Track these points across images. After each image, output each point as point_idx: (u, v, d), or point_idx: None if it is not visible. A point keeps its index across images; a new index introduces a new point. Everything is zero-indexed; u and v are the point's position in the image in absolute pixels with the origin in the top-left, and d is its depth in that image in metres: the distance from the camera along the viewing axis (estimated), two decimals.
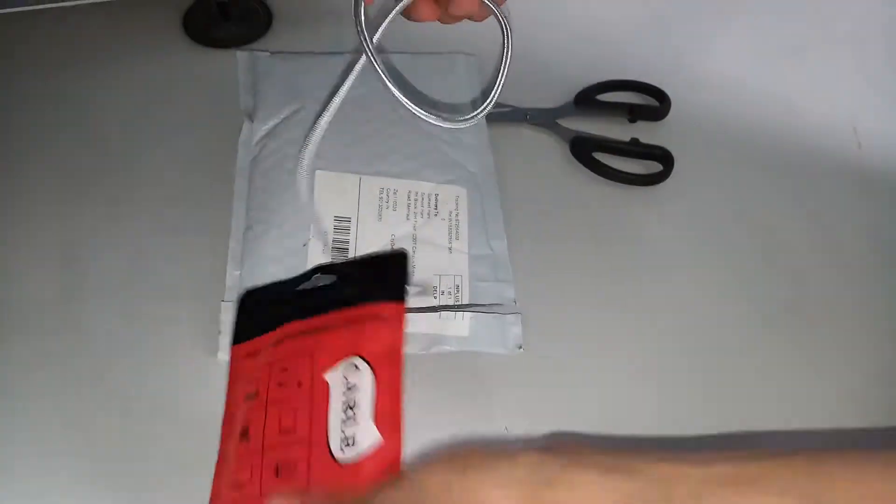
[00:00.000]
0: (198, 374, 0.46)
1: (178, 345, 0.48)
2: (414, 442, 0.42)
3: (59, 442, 0.45)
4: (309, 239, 0.50)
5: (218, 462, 0.42)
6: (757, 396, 0.49)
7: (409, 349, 0.46)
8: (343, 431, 0.41)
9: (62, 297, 0.50)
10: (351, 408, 0.41)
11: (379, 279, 0.46)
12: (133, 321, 0.49)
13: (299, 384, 0.43)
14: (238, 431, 0.42)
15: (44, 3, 0.59)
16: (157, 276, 0.50)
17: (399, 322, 0.44)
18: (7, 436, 0.45)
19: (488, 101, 0.45)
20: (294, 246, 0.49)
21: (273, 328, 0.45)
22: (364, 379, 0.42)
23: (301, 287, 0.47)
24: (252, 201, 0.51)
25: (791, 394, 0.49)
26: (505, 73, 0.44)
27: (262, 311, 0.47)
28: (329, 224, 0.50)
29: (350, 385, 0.42)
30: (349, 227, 0.51)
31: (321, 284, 0.47)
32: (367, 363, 0.42)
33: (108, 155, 0.56)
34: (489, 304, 0.49)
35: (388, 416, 0.41)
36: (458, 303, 0.49)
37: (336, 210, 0.51)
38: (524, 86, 0.58)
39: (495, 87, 0.45)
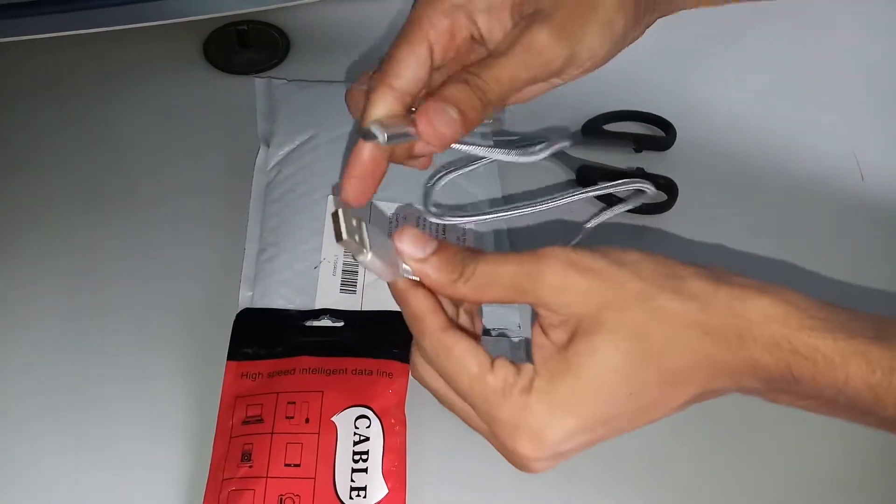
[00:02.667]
0: (207, 392, 0.48)
1: (188, 363, 0.49)
2: (418, 462, 0.44)
3: (65, 449, 0.46)
4: (320, 262, 0.51)
5: (212, 472, 0.44)
6: (756, 436, 0.49)
7: None
8: (353, 480, 0.43)
9: (75, 311, 0.51)
10: (363, 459, 0.43)
11: (386, 335, 0.47)
12: (145, 338, 0.50)
13: (307, 420, 0.44)
14: (239, 452, 0.44)
15: (68, 30, 0.61)
16: (170, 294, 0.52)
17: (404, 382, 0.46)
18: (12, 443, 0.46)
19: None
20: (305, 269, 0.51)
21: (279, 356, 0.47)
22: (375, 432, 0.44)
23: (310, 323, 0.49)
24: (266, 225, 0.53)
25: (795, 436, 0.50)
26: None
27: (264, 335, 0.48)
28: (340, 248, 0.52)
29: (362, 436, 0.44)
30: None
31: (329, 326, 0.49)
32: (378, 417, 0.44)
33: (126, 176, 0.58)
34: (494, 329, 0.50)
35: (395, 473, 0.43)
36: None
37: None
38: (532, 114, 0.59)
39: None
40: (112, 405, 0.48)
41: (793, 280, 0.55)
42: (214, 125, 0.61)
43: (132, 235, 0.55)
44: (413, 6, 0.37)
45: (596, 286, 0.30)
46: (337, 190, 0.48)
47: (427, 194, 0.54)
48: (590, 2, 0.36)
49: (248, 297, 0.51)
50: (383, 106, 0.35)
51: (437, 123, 0.33)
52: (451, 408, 0.34)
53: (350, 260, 0.52)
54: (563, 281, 0.31)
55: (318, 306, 0.50)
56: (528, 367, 0.31)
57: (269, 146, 0.57)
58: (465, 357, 0.31)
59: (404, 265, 0.32)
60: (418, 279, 0.33)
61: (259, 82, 0.61)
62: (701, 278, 0.31)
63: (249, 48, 0.65)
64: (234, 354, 0.48)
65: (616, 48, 0.37)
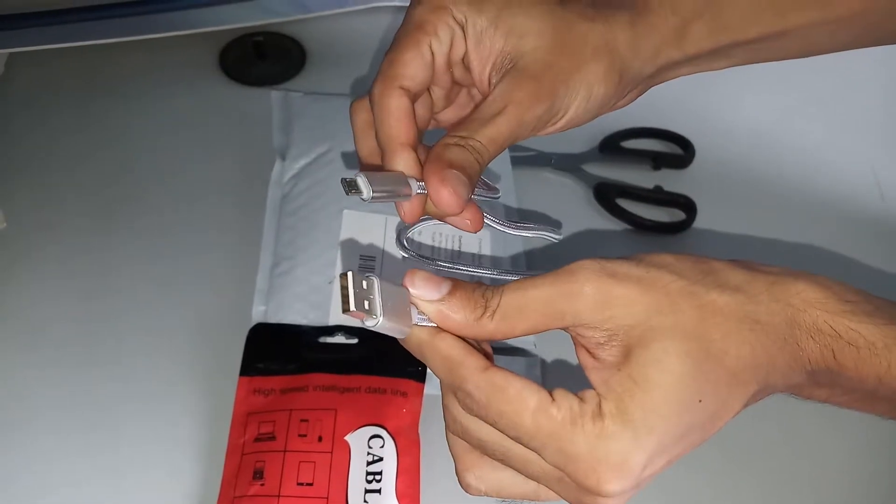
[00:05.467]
0: (219, 408, 0.47)
1: (200, 378, 0.49)
2: (432, 483, 0.43)
3: (74, 463, 0.46)
4: (334, 277, 0.51)
5: (223, 489, 0.44)
6: (774, 450, 0.49)
7: (429, 389, 0.47)
8: (366, 500, 0.42)
9: (86, 324, 0.51)
10: (377, 479, 0.43)
11: (401, 354, 0.46)
12: (156, 351, 0.50)
13: (320, 439, 0.44)
14: (251, 469, 0.43)
15: (87, 40, 0.61)
16: (183, 307, 0.52)
17: (418, 402, 0.45)
18: (23, 452, 0.46)
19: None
20: (319, 283, 0.50)
21: (292, 372, 0.47)
22: (389, 452, 0.44)
23: (324, 340, 0.48)
24: (280, 238, 0.53)
25: (813, 452, 0.49)
26: None
27: (277, 351, 0.48)
28: (354, 263, 0.51)
29: (376, 456, 0.44)
30: (374, 265, 0.52)
31: (343, 342, 0.48)
32: (391, 437, 0.44)
33: (141, 187, 0.58)
34: (509, 348, 0.50)
35: (409, 494, 0.43)
36: None
37: (362, 249, 0.52)
38: None
39: None
40: (122, 418, 0.47)
41: None
42: (230, 137, 0.60)
43: (145, 246, 0.54)
44: (410, 12, 0.34)
45: (638, 293, 0.29)
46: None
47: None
48: (574, 64, 0.34)
49: (261, 312, 0.50)
50: (397, 110, 0.32)
51: (458, 187, 0.30)
52: (503, 457, 0.30)
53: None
54: (604, 293, 0.29)
55: (332, 322, 0.49)
56: (590, 392, 0.29)
57: (284, 159, 0.56)
58: (522, 393, 0.28)
59: (418, 315, 0.29)
60: (436, 325, 0.29)
61: (276, 94, 0.60)
62: (736, 269, 0.31)
63: (265, 60, 0.65)
64: (246, 370, 0.47)
65: (591, 114, 0.36)
